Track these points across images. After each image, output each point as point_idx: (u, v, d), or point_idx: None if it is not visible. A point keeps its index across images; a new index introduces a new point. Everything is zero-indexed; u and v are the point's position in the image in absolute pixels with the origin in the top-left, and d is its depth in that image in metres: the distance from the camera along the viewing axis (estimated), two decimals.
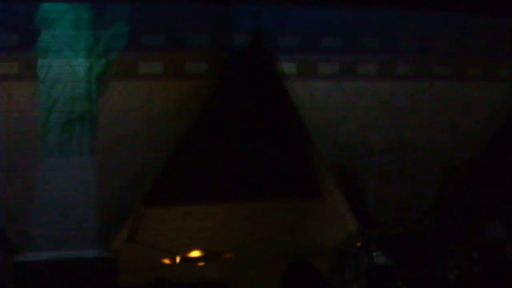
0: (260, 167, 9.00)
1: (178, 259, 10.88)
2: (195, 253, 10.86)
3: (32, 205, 7.60)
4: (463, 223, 9.07)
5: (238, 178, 8.94)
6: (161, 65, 7.93)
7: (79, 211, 7.69)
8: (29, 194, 7.58)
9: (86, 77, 7.67)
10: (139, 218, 8.84)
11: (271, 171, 9.06)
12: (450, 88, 8.81)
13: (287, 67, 8.29)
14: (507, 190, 9.08)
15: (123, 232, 8.29)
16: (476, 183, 9.01)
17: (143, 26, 7.82)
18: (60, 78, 7.62)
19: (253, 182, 8.97)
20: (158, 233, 9.85)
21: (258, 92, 8.92)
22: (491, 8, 8.60)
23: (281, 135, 9.12)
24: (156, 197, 8.33)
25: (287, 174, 9.16)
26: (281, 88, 8.51)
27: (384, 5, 8.37)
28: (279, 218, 10.12)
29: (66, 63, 7.62)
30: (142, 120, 7.90)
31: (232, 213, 9.79)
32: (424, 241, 8.76)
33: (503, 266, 7.00)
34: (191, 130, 8.14)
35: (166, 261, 10.91)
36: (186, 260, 10.91)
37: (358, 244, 8.91)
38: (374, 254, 8.64)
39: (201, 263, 11.18)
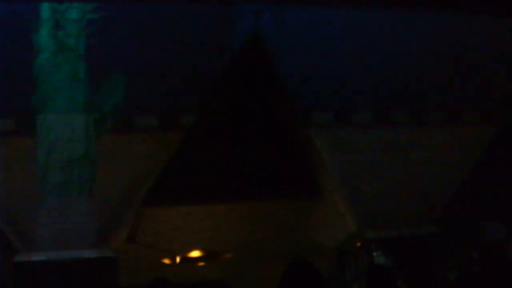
0: (260, 167, 8.99)
1: (178, 259, 10.88)
2: (195, 253, 10.86)
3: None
4: (463, 223, 9.07)
5: (238, 178, 8.93)
6: None
7: None
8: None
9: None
10: (139, 218, 8.84)
11: (271, 171, 9.06)
12: None
13: None
14: (507, 190, 9.08)
15: (123, 232, 8.29)
16: (476, 183, 9.01)
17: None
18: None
19: (253, 182, 8.97)
20: (158, 233, 9.86)
21: (258, 92, 8.92)
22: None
23: (281, 135, 9.12)
24: (156, 197, 8.33)
25: (287, 174, 9.16)
26: (281, 88, 8.51)
27: None
28: (279, 218, 10.12)
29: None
30: None
31: (232, 213, 9.79)
32: (424, 241, 8.76)
33: (503, 266, 7.00)
34: (191, 130, 8.15)
35: (166, 261, 10.92)
36: (186, 260, 10.92)
37: (358, 244, 8.91)
38: (374, 254, 8.64)
39: (201, 263, 11.18)
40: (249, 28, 8.15)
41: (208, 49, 8.00)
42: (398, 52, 8.52)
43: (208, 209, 9.50)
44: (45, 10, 7.56)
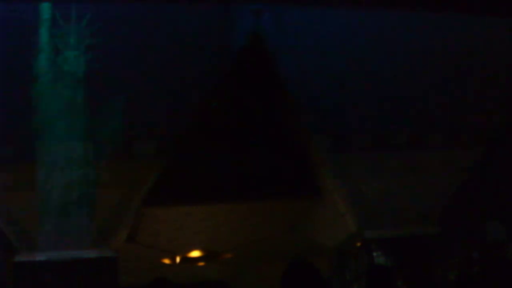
0: (260, 167, 8.99)
1: (178, 259, 10.89)
2: (195, 253, 10.87)
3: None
4: (463, 223, 9.07)
5: (238, 178, 8.93)
6: None
7: None
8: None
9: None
10: (139, 218, 8.84)
11: (271, 171, 9.06)
12: None
13: None
14: (507, 190, 9.07)
15: (123, 232, 8.29)
16: (476, 183, 9.01)
17: None
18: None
19: (253, 182, 8.97)
20: (158, 233, 9.86)
21: (258, 92, 8.92)
22: None
23: (281, 135, 9.12)
24: (156, 197, 8.33)
25: (287, 174, 9.16)
26: (281, 88, 8.51)
27: None
28: (279, 218, 10.12)
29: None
30: None
31: (232, 213, 9.79)
32: (424, 241, 8.75)
33: (503, 266, 7.00)
34: (191, 130, 8.15)
35: (166, 261, 10.92)
36: (186, 260, 10.92)
37: (358, 244, 8.90)
38: (374, 254, 8.64)
39: (201, 263, 11.19)
40: (249, 28, 8.15)
41: (208, 49, 8.01)
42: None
43: (208, 209, 9.50)
44: (44, 36, 7.59)
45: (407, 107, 8.60)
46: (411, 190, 8.61)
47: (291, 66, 8.28)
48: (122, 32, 7.80)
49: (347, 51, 8.41)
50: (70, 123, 7.64)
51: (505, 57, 8.81)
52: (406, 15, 8.56)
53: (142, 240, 9.67)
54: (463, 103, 8.75)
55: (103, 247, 7.80)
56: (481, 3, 8.62)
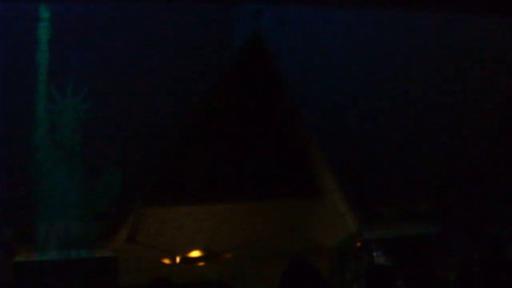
0: (260, 167, 8.99)
1: (178, 259, 10.87)
2: (195, 253, 10.85)
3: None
4: (463, 223, 9.07)
5: (238, 178, 8.93)
6: None
7: None
8: None
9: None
10: (139, 218, 8.84)
11: (271, 171, 9.05)
12: None
13: None
14: (507, 191, 9.07)
15: (123, 232, 8.29)
16: (476, 183, 9.00)
17: None
18: None
19: (253, 182, 8.97)
20: (158, 233, 9.85)
21: (258, 92, 8.92)
22: None
23: (281, 135, 9.12)
24: (156, 197, 8.33)
25: (287, 174, 9.15)
26: (281, 88, 8.51)
27: None
28: (279, 218, 10.11)
29: None
30: None
31: (232, 213, 9.78)
32: (424, 241, 8.75)
33: (503, 266, 7.00)
34: (191, 130, 8.15)
35: (166, 261, 10.91)
36: (186, 260, 10.91)
37: (358, 244, 8.90)
38: (374, 254, 8.64)
39: (201, 263, 11.17)
40: (249, 28, 8.15)
41: (208, 49, 8.01)
42: None
43: (208, 209, 9.50)
44: (41, 112, 7.63)
45: None
46: None
47: (291, 66, 8.27)
48: (122, 31, 7.81)
49: (347, 51, 8.41)
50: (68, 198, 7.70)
51: None
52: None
53: (142, 240, 9.66)
54: None
55: (103, 247, 7.80)
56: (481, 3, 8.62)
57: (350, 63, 8.42)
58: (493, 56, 8.80)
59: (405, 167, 8.64)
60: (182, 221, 9.69)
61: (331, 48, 8.38)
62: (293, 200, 9.55)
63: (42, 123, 7.58)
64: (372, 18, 8.50)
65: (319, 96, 8.37)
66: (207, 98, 8.26)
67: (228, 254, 11.05)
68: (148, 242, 9.89)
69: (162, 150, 7.97)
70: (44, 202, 7.60)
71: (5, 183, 7.42)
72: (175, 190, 8.62)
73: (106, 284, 7.75)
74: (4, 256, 7.77)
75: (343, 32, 8.41)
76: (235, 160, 8.89)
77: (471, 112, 8.88)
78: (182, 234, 10.10)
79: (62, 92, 7.67)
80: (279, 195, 9.24)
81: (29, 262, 7.59)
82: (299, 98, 8.41)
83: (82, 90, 7.65)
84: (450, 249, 9.04)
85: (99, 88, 7.70)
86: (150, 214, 9.03)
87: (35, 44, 7.51)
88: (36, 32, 7.49)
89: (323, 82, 8.37)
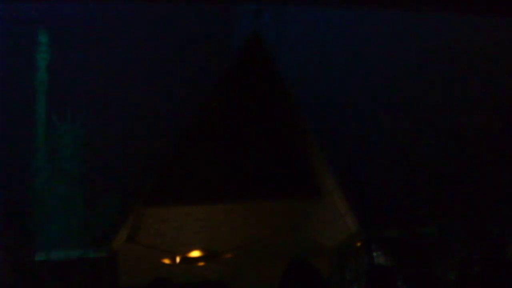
0: (260, 167, 8.99)
1: (178, 259, 10.88)
2: (195, 253, 10.85)
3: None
4: (463, 223, 9.07)
5: (238, 178, 8.94)
6: None
7: None
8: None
9: None
10: (139, 218, 8.84)
11: (271, 171, 9.06)
12: None
13: None
14: (507, 190, 9.07)
15: (123, 232, 8.29)
16: (476, 183, 9.00)
17: None
18: None
19: (253, 182, 8.97)
20: (158, 233, 9.85)
21: (258, 92, 8.92)
22: None
23: (281, 135, 9.12)
24: (156, 197, 8.33)
25: (287, 174, 9.15)
26: (281, 89, 8.51)
27: None
28: (279, 218, 10.12)
29: None
30: None
31: (232, 213, 9.78)
32: (424, 241, 8.76)
33: (503, 266, 6.99)
34: (191, 130, 8.15)
35: (166, 261, 10.91)
36: (186, 260, 10.91)
37: (358, 244, 8.90)
38: (374, 254, 8.64)
39: (201, 263, 11.17)
40: (249, 28, 8.15)
41: (208, 49, 8.01)
42: None
43: (208, 209, 9.50)
44: (41, 136, 7.63)
45: None
46: None
47: (291, 66, 8.27)
48: (122, 31, 7.81)
49: (347, 50, 8.41)
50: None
51: None
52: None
53: (142, 240, 9.67)
54: None
55: (103, 247, 7.81)
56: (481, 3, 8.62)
57: (350, 63, 8.42)
58: (493, 56, 8.80)
59: (405, 167, 8.64)
60: (182, 221, 9.69)
61: (330, 48, 8.38)
62: (293, 200, 9.55)
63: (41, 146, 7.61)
64: (372, 18, 8.50)
65: (319, 96, 8.37)
66: (207, 98, 8.26)
67: (228, 254, 11.05)
68: (148, 242, 9.89)
69: (162, 150, 7.97)
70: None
71: (5, 184, 7.42)
72: (175, 190, 8.62)
73: (106, 284, 7.75)
74: (4, 256, 7.78)
75: (343, 32, 8.41)
76: (235, 160, 8.89)
77: (471, 112, 8.88)
78: (182, 234, 10.10)
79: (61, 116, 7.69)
80: (279, 195, 9.24)
81: (29, 262, 7.59)
82: (299, 98, 8.41)
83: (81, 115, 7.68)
84: (450, 249, 9.05)
85: (99, 88, 7.70)
86: (150, 214, 9.04)
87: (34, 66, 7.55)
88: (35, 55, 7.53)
89: (323, 82, 8.37)
